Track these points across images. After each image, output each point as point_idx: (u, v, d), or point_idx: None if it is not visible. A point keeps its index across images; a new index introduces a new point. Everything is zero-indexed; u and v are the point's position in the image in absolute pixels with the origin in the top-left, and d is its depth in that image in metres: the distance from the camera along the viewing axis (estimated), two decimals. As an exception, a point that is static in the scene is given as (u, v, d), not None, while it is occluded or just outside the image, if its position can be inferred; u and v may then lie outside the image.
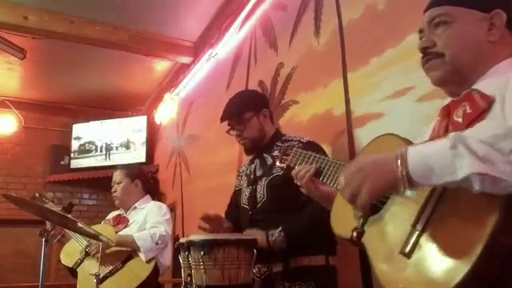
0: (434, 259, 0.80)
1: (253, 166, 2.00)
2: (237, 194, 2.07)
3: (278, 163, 1.50)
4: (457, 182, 0.75)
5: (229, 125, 2.01)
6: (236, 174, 2.21)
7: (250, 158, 2.06)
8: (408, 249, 0.86)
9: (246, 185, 2.00)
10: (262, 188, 1.88)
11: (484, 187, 0.73)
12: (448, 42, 1.03)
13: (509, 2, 1.06)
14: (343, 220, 1.09)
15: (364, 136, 2.12)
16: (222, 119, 2.02)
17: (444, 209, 0.81)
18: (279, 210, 1.79)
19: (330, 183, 1.21)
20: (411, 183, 0.81)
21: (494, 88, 0.93)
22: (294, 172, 1.35)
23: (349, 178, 0.90)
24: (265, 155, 1.94)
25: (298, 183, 1.34)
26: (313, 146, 1.83)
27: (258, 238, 1.67)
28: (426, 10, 1.11)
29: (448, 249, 0.79)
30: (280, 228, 1.70)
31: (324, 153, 1.82)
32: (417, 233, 0.85)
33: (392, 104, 1.97)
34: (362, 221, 0.99)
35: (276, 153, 1.81)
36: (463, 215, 0.78)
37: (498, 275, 0.75)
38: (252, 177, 1.97)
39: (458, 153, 0.75)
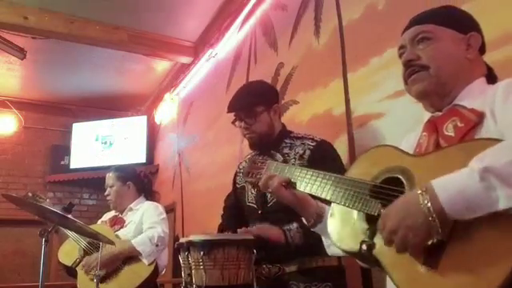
0: (464, 268, 0.78)
1: None
2: (238, 191, 1.94)
3: (246, 178, 1.39)
4: (498, 212, 0.76)
5: (235, 115, 1.88)
6: (235, 172, 2.09)
7: (252, 153, 1.95)
8: (434, 259, 0.83)
9: None
10: None
11: None
12: (432, 55, 1.09)
13: (480, 28, 1.13)
14: (348, 235, 1.04)
15: (364, 136, 2.12)
16: (230, 110, 1.88)
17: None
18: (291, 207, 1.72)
19: (304, 190, 1.19)
20: (447, 219, 0.80)
21: (480, 104, 0.98)
22: (261, 182, 1.29)
23: (389, 242, 0.88)
24: (273, 152, 1.83)
25: (269, 191, 1.28)
26: (326, 146, 1.78)
27: (275, 233, 1.61)
28: (407, 28, 1.17)
29: (479, 256, 0.77)
30: (297, 224, 1.62)
31: (335, 152, 1.79)
32: (441, 242, 0.82)
33: (392, 104, 1.97)
34: (369, 233, 0.95)
35: (286, 150, 1.77)
36: (490, 222, 0.77)
37: None
38: None
39: (490, 185, 0.76)
